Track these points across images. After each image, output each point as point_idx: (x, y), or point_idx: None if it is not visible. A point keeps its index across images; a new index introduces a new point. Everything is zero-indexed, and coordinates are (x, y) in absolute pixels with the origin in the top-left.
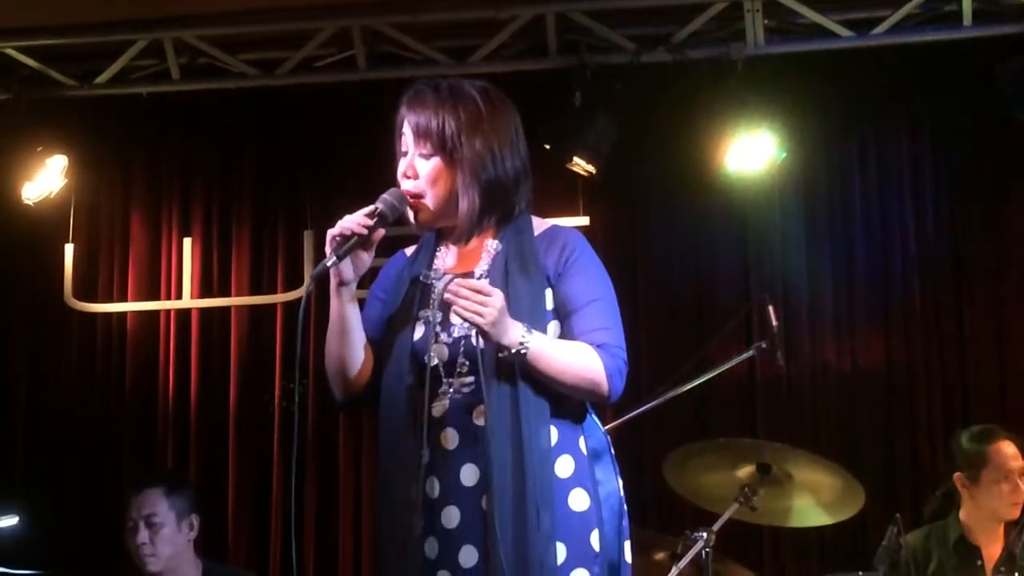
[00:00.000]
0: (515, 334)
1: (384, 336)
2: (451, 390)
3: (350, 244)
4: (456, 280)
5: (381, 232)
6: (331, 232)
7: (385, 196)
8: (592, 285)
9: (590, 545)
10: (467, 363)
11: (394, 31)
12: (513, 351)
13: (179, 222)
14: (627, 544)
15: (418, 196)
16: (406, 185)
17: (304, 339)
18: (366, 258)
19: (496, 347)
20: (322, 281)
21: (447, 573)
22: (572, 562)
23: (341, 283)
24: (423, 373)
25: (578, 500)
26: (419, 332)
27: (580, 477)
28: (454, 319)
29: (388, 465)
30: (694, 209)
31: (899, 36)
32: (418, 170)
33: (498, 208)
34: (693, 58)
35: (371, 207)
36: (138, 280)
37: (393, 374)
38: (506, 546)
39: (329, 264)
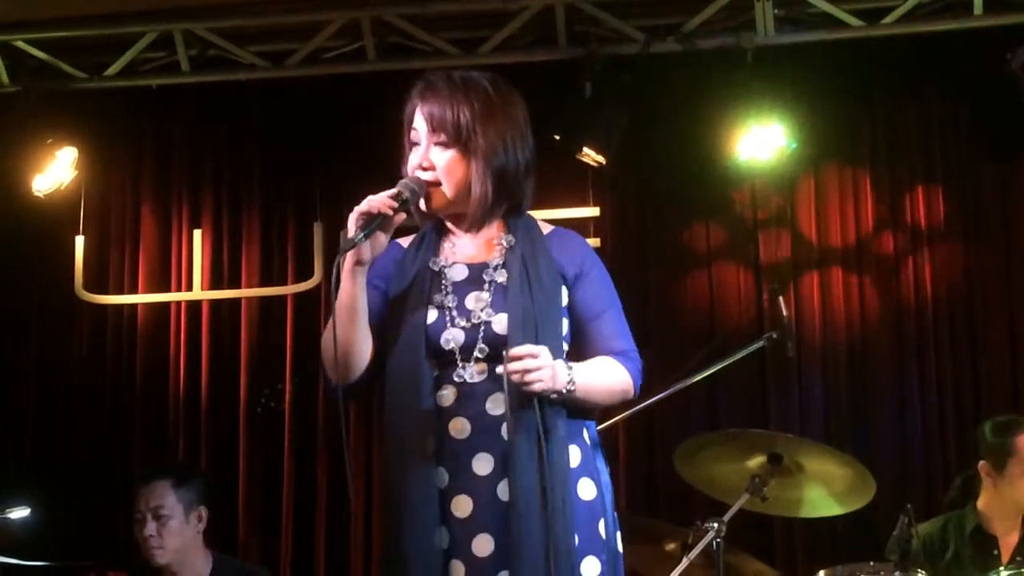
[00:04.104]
0: (563, 376)
1: (389, 322)
2: (465, 376)
3: (376, 223)
4: (505, 354)
5: (403, 216)
6: (358, 209)
7: (405, 181)
8: (607, 292)
9: (598, 533)
10: (487, 349)
11: (403, 22)
12: (565, 392)
13: (189, 214)
14: (618, 534)
15: (434, 185)
16: (422, 176)
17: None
18: (383, 240)
19: (548, 394)
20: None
21: (460, 563)
22: (583, 550)
23: (358, 262)
24: (438, 356)
25: (586, 489)
26: (432, 316)
27: (587, 466)
28: (469, 304)
29: (399, 452)
30: (704, 199)
31: (909, 25)
32: (434, 161)
33: (508, 198)
34: (703, 48)
35: (394, 190)
36: (148, 272)
37: (404, 358)
38: (533, 535)
39: (358, 240)
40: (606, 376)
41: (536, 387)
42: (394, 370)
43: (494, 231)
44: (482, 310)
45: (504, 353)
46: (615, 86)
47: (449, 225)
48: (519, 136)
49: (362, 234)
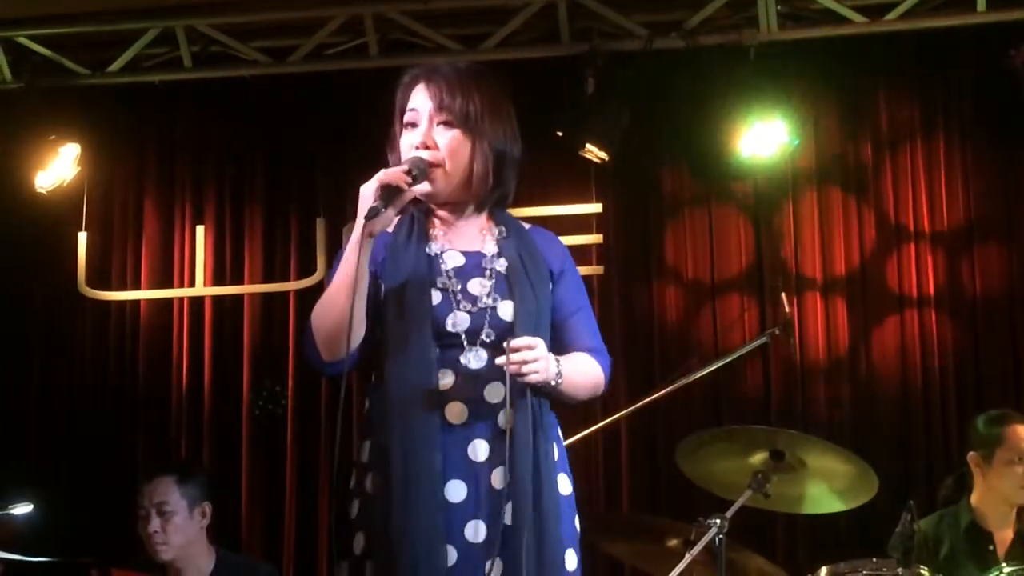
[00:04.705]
0: (553, 368)
1: (389, 304)
2: (470, 360)
3: (393, 197)
4: (506, 345)
5: (413, 192)
6: (378, 179)
7: (411, 158)
8: (582, 291)
9: (575, 527)
10: (493, 334)
11: (406, 19)
12: (553, 384)
13: (192, 210)
14: None
15: (436, 165)
16: (422, 155)
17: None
18: (391, 216)
19: (540, 385)
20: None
21: (453, 548)
22: (566, 543)
23: (370, 234)
24: (441, 339)
25: (564, 484)
26: (437, 298)
27: (563, 462)
28: (473, 289)
29: (400, 435)
30: (707, 196)
31: (912, 21)
32: (437, 141)
33: (501, 186)
34: (705, 44)
35: (404, 166)
36: (151, 268)
37: (410, 338)
38: (528, 524)
39: (384, 209)
40: (585, 370)
41: (533, 379)
42: (397, 350)
43: (483, 221)
44: (487, 295)
45: (504, 344)
46: (618, 83)
47: (439, 212)
48: (514, 132)
49: (382, 204)
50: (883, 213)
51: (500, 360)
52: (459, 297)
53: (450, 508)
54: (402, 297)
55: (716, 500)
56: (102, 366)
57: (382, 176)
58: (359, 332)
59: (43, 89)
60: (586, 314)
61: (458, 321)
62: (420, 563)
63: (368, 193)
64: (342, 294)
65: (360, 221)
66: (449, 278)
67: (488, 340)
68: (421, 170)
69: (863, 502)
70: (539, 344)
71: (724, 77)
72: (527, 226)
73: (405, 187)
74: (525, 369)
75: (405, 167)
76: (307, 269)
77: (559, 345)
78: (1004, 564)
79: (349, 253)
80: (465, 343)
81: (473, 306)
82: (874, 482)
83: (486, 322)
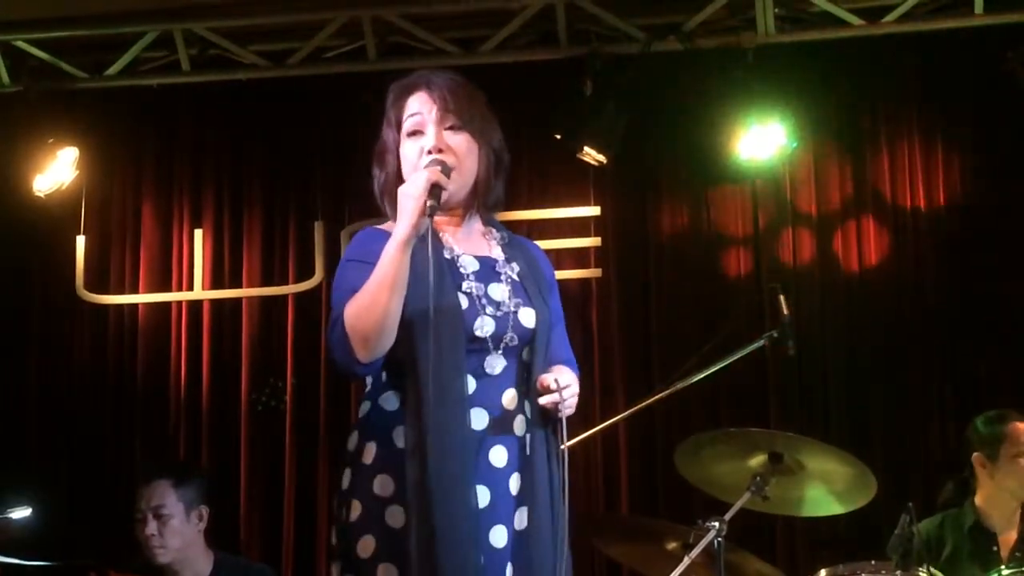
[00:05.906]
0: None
1: (411, 307)
2: (494, 366)
3: (440, 195)
4: (548, 380)
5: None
6: (427, 179)
7: (437, 158)
8: (560, 304)
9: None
10: (516, 338)
11: (404, 22)
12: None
13: (190, 213)
14: None
15: (453, 169)
16: (441, 158)
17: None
18: (427, 220)
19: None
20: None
21: (480, 554)
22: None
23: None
24: (471, 343)
25: None
26: (464, 303)
27: None
28: (493, 294)
29: (438, 439)
30: (705, 198)
31: (910, 24)
32: (448, 142)
33: (497, 193)
34: (704, 47)
35: (436, 167)
36: (149, 271)
37: (444, 342)
38: (546, 529)
39: (439, 205)
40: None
41: (566, 412)
42: (428, 354)
43: (480, 226)
44: (508, 300)
45: (550, 381)
46: (616, 85)
47: (442, 218)
48: (503, 139)
49: (436, 202)
50: (881, 214)
51: (545, 399)
52: (483, 302)
53: (477, 514)
54: (430, 300)
55: (715, 502)
56: (100, 370)
57: (430, 175)
58: (395, 335)
59: (41, 92)
60: (563, 325)
61: (485, 325)
62: (459, 569)
63: (416, 192)
64: (385, 292)
65: (407, 220)
66: (472, 282)
67: (511, 345)
68: (448, 172)
69: (862, 504)
70: (573, 381)
71: (722, 80)
72: (509, 235)
73: (446, 186)
74: (562, 405)
75: (438, 168)
76: (305, 272)
77: None
78: (1003, 567)
79: (394, 251)
80: (491, 347)
81: (497, 311)
82: (872, 484)
83: (509, 327)
